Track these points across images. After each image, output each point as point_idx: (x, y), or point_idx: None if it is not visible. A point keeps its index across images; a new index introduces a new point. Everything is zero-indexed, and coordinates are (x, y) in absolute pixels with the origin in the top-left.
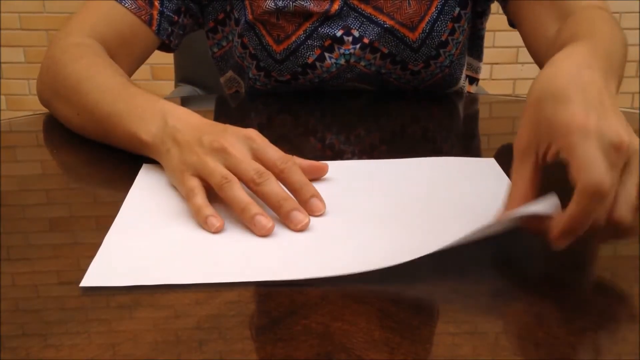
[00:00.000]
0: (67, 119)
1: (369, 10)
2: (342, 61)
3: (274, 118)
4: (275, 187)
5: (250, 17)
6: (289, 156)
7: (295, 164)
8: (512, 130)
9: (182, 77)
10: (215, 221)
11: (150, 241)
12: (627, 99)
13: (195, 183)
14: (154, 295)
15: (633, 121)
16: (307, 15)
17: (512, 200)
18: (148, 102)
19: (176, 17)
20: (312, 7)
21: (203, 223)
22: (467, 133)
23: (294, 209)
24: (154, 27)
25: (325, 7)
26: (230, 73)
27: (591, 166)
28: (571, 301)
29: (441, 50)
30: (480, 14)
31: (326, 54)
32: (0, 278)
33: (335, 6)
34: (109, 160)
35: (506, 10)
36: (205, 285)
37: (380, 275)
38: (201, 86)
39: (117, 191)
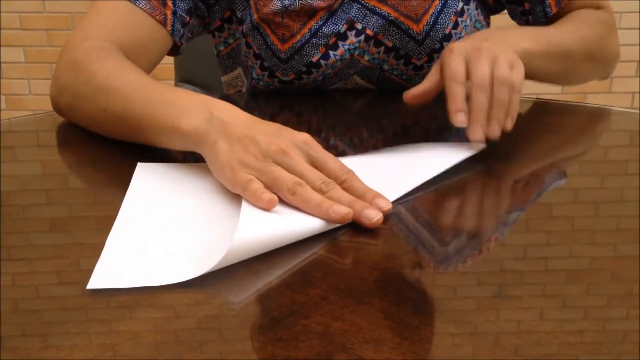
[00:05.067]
0: (92, 118)
1: (372, 2)
2: (347, 56)
3: (276, 117)
4: (342, 193)
5: (255, 16)
6: (347, 168)
7: (354, 175)
8: (513, 130)
9: (182, 77)
10: (268, 194)
11: (154, 241)
12: (627, 99)
13: (251, 177)
14: (154, 295)
15: (633, 121)
16: (311, 13)
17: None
18: (187, 94)
19: (188, 18)
20: (318, 3)
21: (260, 201)
22: None
23: (365, 208)
24: (169, 28)
25: (330, 2)
26: (238, 70)
27: (448, 64)
28: (571, 301)
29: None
30: (493, 10)
31: (330, 52)
32: (0, 278)
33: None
34: (109, 161)
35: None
36: (206, 285)
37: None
38: (201, 86)
39: (117, 191)
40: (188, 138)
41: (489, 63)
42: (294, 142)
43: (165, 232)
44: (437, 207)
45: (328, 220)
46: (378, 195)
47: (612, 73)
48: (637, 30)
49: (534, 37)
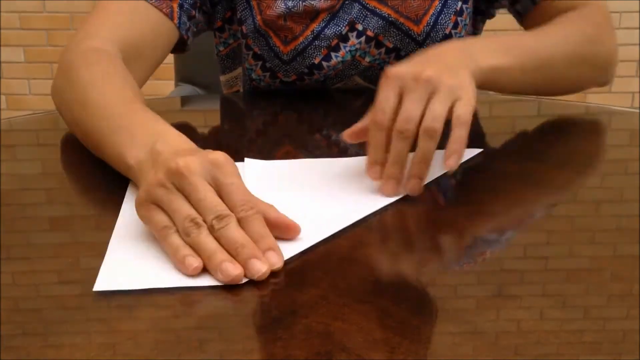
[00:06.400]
0: (71, 126)
1: (373, 3)
2: (348, 57)
3: (277, 115)
4: (233, 233)
5: (258, 18)
6: (253, 203)
7: (257, 214)
8: (513, 130)
9: (182, 77)
10: (193, 260)
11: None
12: (627, 99)
13: (167, 223)
14: (154, 295)
15: (633, 121)
16: (314, 15)
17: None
18: (145, 121)
19: (194, 12)
20: (321, 4)
21: (180, 263)
22: None
23: (252, 257)
24: (175, 21)
25: (333, 3)
26: (238, 70)
27: (378, 97)
28: (571, 301)
29: None
30: (482, 12)
31: (332, 54)
32: (1, 277)
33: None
34: None
35: (519, 21)
36: (206, 286)
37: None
38: (201, 86)
39: (117, 191)
40: (131, 172)
41: (423, 100)
42: (202, 162)
43: None
44: (437, 206)
45: (214, 277)
46: (273, 247)
47: (612, 79)
48: (637, 30)
49: (505, 49)
